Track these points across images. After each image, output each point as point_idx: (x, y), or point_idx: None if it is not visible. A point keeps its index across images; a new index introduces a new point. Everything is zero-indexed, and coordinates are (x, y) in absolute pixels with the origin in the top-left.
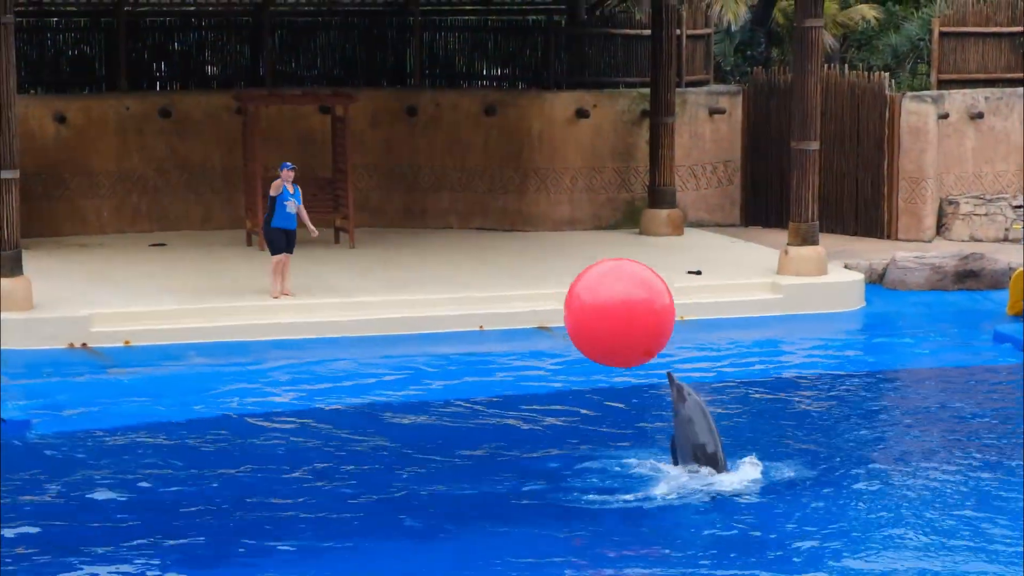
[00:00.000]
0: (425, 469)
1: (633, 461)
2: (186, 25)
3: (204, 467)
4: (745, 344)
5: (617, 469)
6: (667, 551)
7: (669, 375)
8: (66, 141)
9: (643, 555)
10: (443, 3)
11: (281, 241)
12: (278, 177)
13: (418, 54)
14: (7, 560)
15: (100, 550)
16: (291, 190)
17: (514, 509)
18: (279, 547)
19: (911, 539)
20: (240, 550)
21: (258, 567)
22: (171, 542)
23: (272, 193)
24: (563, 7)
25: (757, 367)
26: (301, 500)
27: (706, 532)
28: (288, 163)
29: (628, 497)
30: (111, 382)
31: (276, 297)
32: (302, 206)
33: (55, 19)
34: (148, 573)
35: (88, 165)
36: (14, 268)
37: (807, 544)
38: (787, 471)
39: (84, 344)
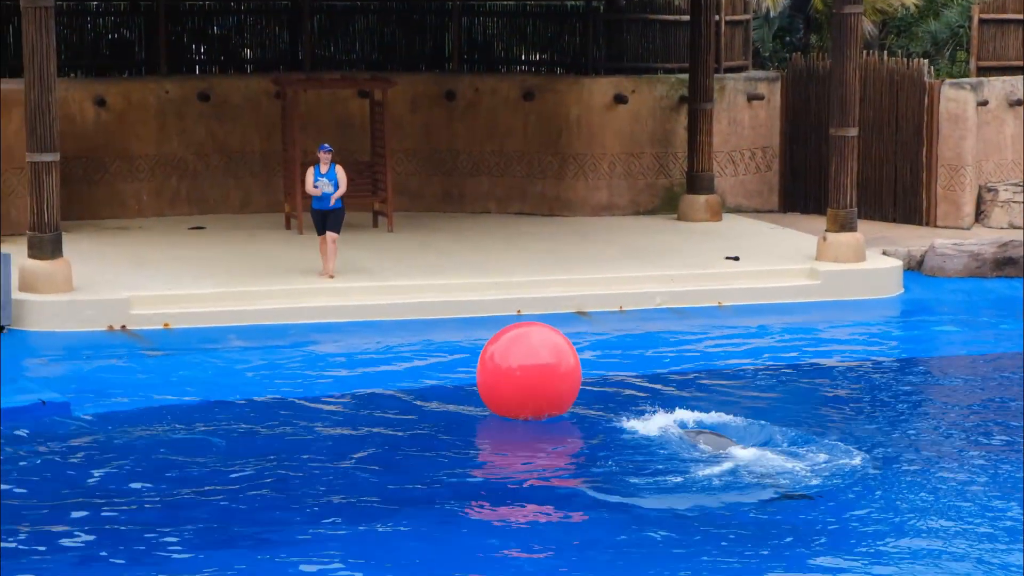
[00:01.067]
0: (462, 452)
1: (673, 444)
2: (225, 9)
3: (242, 449)
4: (782, 330)
5: (662, 451)
6: (703, 534)
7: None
8: (106, 125)
9: (681, 539)
10: None
11: (317, 222)
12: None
13: (457, 39)
14: (48, 541)
15: (137, 532)
16: (323, 170)
17: (553, 492)
18: (316, 531)
19: (941, 525)
20: (277, 533)
21: (295, 550)
22: (207, 525)
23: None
24: None
25: (794, 353)
26: (339, 484)
27: (738, 516)
28: (325, 145)
29: (671, 479)
30: (150, 364)
31: (322, 276)
32: (340, 186)
33: (95, 2)
34: (185, 555)
35: (127, 149)
36: (54, 250)
37: (837, 528)
38: (821, 457)
39: (123, 326)
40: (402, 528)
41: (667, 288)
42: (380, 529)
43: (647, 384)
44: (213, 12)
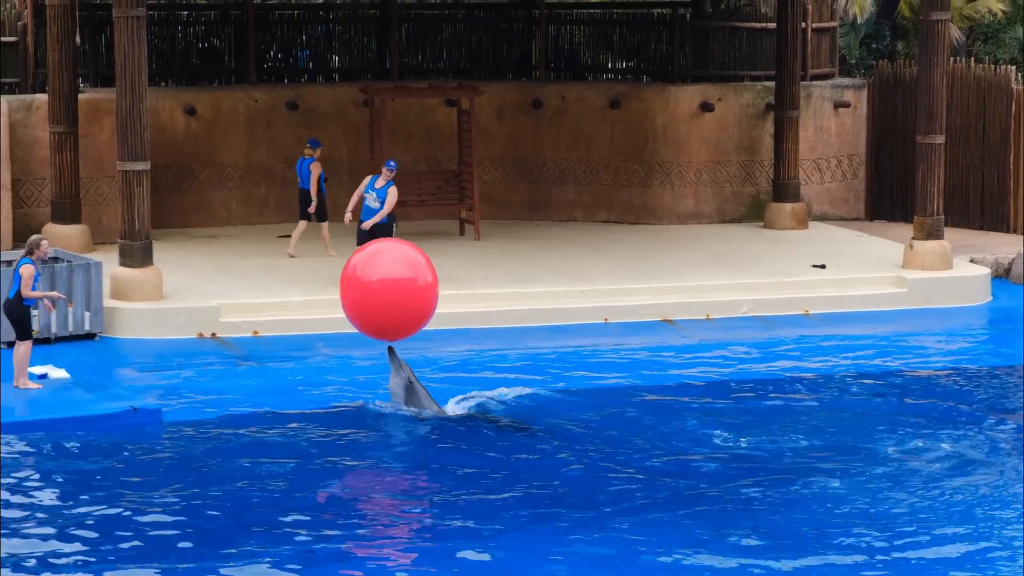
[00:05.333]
0: (571, 460)
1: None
2: (314, 18)
3: (332, 458)
4: (870, 338)
5: (756, 465)
6: (800, 535)
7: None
8: (195, 133)
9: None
10: None
11: (360, 233)
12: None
13: (543, 47)
14: (141, 545)
15: (227, 537)
16: (378, 184)
17: (645, 497)
18: (404, 540)
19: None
20: (360, 542)
21: (383, 558)
22: (295, 531)
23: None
24: (688, 0)
25: (881, 361)
26: (433, 493)
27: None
28: (391, 162)
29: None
30: (240, 372)
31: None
32: (386, 206)
33: (185, 12)
34: (272, 561)
35: (217, 157)
36: (145, 259)
37: (931, 536)
38: (911, 463)
39: (213, 334)
40: (526, 535)
41: (754, 296)
42: (475, 539)
43: (742, 390)
44: (302, 21)
